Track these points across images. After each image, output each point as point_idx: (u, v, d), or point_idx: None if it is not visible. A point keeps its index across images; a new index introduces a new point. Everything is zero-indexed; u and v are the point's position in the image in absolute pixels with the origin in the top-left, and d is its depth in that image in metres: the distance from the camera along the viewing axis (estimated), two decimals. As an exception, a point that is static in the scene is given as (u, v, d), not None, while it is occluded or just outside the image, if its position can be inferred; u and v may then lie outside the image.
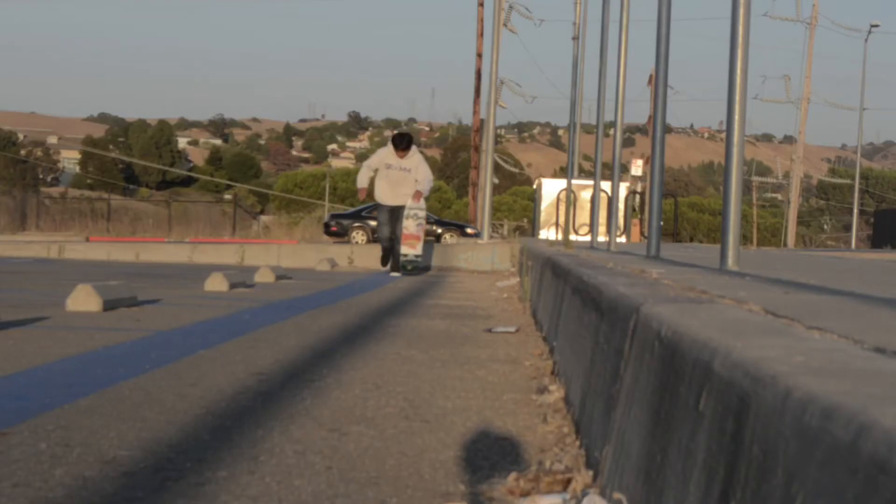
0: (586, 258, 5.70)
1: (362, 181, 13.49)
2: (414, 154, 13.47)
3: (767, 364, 1.21)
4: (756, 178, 58.39)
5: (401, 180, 13.26)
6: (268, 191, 62.59)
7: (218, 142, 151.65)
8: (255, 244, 19.55)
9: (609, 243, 8.37)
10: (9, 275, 11.59)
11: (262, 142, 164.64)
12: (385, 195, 13.28)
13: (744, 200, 4.82)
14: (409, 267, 13.27)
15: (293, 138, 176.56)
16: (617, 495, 1.81)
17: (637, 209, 33.26)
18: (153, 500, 2.16)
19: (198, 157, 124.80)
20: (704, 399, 1.39)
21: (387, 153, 13.39)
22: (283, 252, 17.26)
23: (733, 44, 3.76)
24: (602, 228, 17.40)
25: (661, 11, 5.83)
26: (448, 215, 49.57)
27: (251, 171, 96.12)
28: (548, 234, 26.37)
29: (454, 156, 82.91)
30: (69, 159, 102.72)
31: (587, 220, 22.32)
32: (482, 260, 16.07)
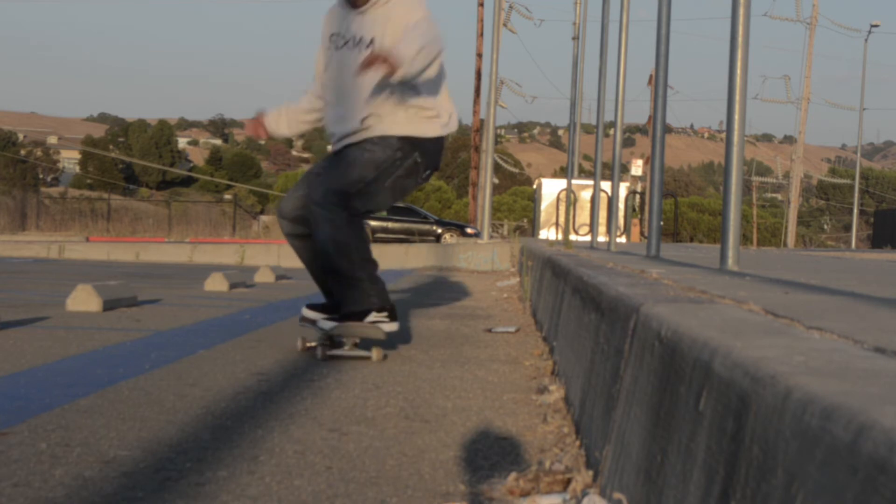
0: (586, 258, 5.70)
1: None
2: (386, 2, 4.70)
3: (767, 364, 1.21)
4: (756, 178, 58.42)
5: (349, 72, 4.69)
6: (268, 191, 62.57)
7: (218, 142, 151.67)
8: (255, 244, 19.56)
9: (609, 243, 8.37)
10: (9, 275, 11.59)
11: (262, 142, 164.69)
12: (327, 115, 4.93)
13: (744, 200, 4.81)
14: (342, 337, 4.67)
15: (293, 138, 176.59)
16: (617, 495, 1.81)
17: (637, 209, 33.27)
18: (153, 500, 2.16)
19: (198, 157, 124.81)
20: (704, 399, 1.39)
21: (328, 15, 4.97)
22: (283, 252, 17.25)
23: (733, 44, 3.76)
24: (602, 228, 17.42)
25: (661, 11, 5.83)
26: (448, 215, 49.58)
27: (251, 171, 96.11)
28: (548, 234, 26.40)
29: (454, 156, 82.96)
30: (69, 159, 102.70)
31: (587, 220, 22.33)
32: (482, 260, 16.07)
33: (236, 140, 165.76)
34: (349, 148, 4.63)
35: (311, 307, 4.80)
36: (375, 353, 4.52)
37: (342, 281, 4.54)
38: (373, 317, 4.53)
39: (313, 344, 4.70)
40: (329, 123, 4.81)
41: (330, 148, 4.86)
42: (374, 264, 4.61)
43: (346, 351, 4.53)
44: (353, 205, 4.52)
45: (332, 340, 4.64)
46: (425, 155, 4.68)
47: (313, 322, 4.66)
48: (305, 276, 12.90)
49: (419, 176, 4.71)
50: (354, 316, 4.53)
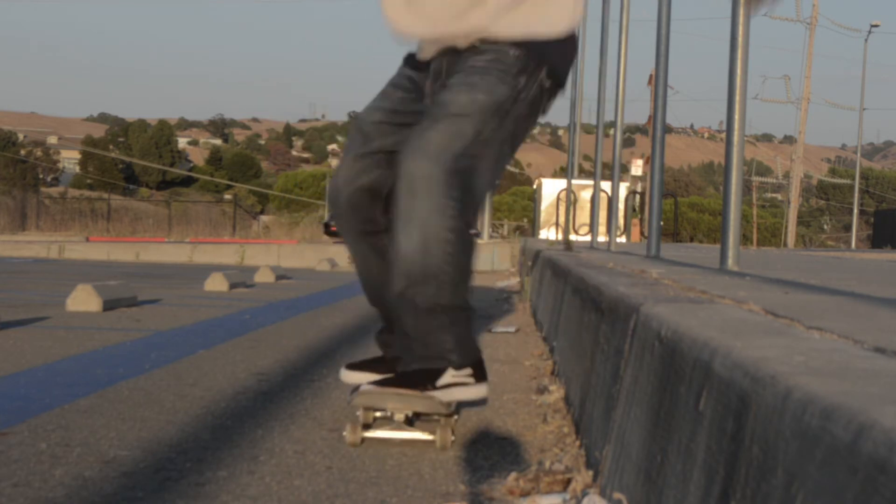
0: (586, 258, 5.70)
1: None
2: None
3: (767, 364, 1.21)
4: (756, 178, 58.41)
5: None
6: (268, 191, 62.59)
7: (218, 142, 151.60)
8: (255, 244, 19.56)
9: (609, 243, 8.37)
10: (9, 275, 11.59)
11: (262, 142, 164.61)
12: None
13: (744, 200, 4.81)
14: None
15: (293, 138, 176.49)
16: (617, 495, 1.81)
17: (637, 209, 33.25)
18: (153, 500, 2.16)
19: (198, 157, 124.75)
20: (704, 399, 1.39)
21: None
22: (283, 252, 17.26)
23: (733, 44, 3.76)
24: (602, 228, 17.41)
25: (661, 11, 5.83)
26: (448, 215, 49.43)
27: (251, 171, 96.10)
28: (548, 234, 26.38)
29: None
30: (69, 159, 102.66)
31: (587, 220, 22.33)
32: (482, 260, 16.08)
33: (236, 140, 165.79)
34: (448, 84, 2.80)
35: (355, 366, 3.17)
36: (441, 435, 2.73)
37: (419, 315, 2.76)
38: (448, 377, 2.79)
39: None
40: (395, 18, 2.88)
41: (419, 55, 2.91)
42: (468, 303, 2.89)
43: (390, 432, 2.81)
44: (471, 187, 2.72)
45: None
46: (554, 72, 2.87)
47: (357, 387, 2.84)
48: (305, 276, 12.79)
49: (543, 111, 2.92)
50: (416, 377, 2.78)
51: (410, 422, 2.82)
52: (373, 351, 3.27)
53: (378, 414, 2.84)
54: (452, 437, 2.75)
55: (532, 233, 34.53)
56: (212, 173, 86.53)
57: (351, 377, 3.12)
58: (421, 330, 2.76)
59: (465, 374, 2.80)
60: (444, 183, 2.63)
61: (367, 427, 2.80)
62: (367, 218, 2.91)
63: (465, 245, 2.73)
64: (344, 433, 2.76)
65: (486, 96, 2.74)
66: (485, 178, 2.76)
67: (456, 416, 2.91)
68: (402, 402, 2.73)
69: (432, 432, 2.74)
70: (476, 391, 2.83)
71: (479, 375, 2.84)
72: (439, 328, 2.77)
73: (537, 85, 2.82)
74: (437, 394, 2.73)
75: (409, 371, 2.80)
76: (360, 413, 2.84)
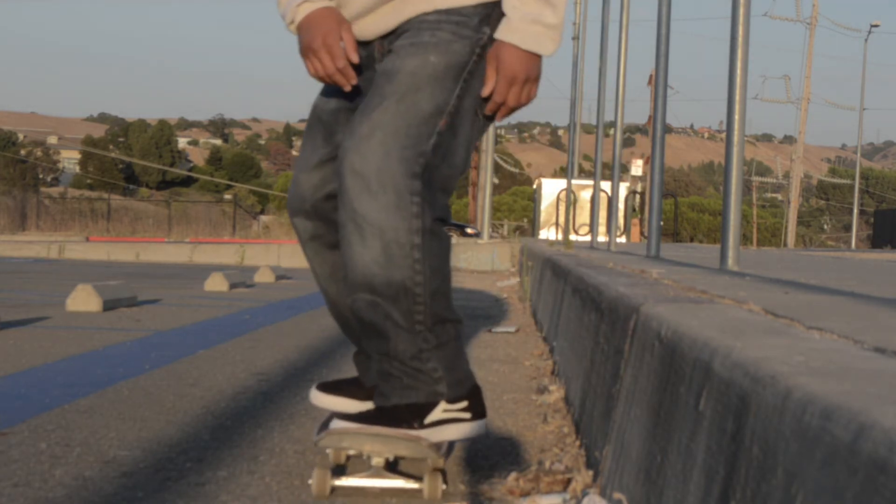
0: (586, 258, 5.70)
1: None
2: None
3: (767, 364, 1.21)
4: (756, 178, 58.44)
5: None
6: (268, 191, 62.54)
7: (218, 142, 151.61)
8: (255, 244, 19.56)
9: (609, 243, 8.38)
10: (9, 275, 11.59)
11: (262, 142, 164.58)
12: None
13: (744, 200, 4.81)
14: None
15: (293, 138, 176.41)
16: (617, 495, 1.81)
17: (637, 209, 33.26)
18: (153, 500, 2.16)
19: (198, 157, 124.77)
20: (704, 399, 1.39)
21: None
22: (283, 252, 17.25)
23: (733, 44, 3.76)
24: (602, 228, 17.43)
25: (661, 11, 5.83)
26: (448, 215, 49.36)
27: (251, 171, 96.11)
28: (548, 234, 26.40)
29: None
30: (69, 159, 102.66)
31: (587, 220, 22.34)
32: (482, 260, 16.07)
33: (236, 140, 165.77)
34: (394, 48, 2.30)
35: (329, 387, 2.61)
36: (430, 483, 2.24)
37: (398, 336, 2.25)
38: (440, 412, 2.29)
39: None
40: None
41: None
42: (455, 313, 2.32)
43: (367, 479, 2.28)
44: (434, 176, 2.24)
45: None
46: None
47: (327, 422, 2.40)
48: (305, 276, 12.78)
49: None
50: (400, 413, 2.28)
51: (392, 466, 2.37)
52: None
53: (352, 452, 2.37)
54: (444, 486, 2.25)
55: (532, 233, 34.54)
56: (212, 173, 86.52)
57: (323, 401, 2.56)
58: (400, 353, 2.23)
59: (459, 407, 2.30)
60: (400, 175, 2.16)
61: (339, 471, 2.33)
62: (335, 227, 2.35)
63: (436, 246, 2.22)
64: (309, 481, 2.27)
65: (440, 57, 2.23)
66: (456, 157, 2.27)
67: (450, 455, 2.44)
68: (382, 444, 2.24)
69: (419, 477, 2.25)
70: (472, 429, 2.32)
71: (476, 410, 2.33)
72: (423, 351, 2.24)
73: None
74: (426, 433, 2.25)
75: (390, 405, 2.27)
76: (330, 452, 2.40)
